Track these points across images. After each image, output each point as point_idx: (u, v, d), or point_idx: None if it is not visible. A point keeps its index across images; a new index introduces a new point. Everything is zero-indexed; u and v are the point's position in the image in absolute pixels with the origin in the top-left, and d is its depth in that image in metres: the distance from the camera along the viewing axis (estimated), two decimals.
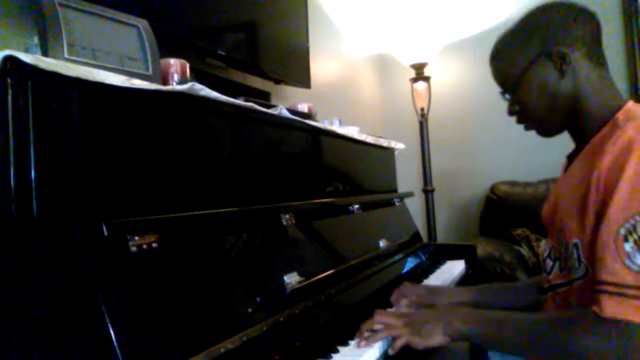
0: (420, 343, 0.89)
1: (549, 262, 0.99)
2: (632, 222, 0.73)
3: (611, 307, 0.72)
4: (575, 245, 0.87)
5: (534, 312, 0.94)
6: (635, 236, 0.72)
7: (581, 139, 0.93)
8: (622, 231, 0.73)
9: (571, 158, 0.97)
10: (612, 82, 0.93)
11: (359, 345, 0.90)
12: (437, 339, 0.89)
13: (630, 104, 0.89)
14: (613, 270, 0.74)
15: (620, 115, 0.86)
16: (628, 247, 0.73)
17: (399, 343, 0.89)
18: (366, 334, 0.91)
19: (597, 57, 0.92)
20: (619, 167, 0.76)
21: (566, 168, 1.00)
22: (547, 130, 0.97)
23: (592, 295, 0.77)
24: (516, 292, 1.17)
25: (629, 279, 0.72)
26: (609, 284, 0.74)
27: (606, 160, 0.79)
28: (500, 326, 0.86)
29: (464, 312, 0.92)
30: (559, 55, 0.89)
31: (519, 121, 0.99)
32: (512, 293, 1.17)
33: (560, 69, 0.90)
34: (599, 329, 0.74)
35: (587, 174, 0.82)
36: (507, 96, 0.99)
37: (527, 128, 1.00)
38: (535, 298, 1.09)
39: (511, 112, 0.99)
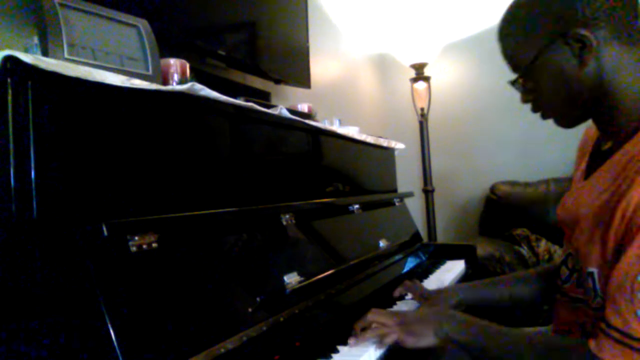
0: (410, 342, 0.87)
1: (565, 270, 0.93)
2: None
3: (611, 353, 0.68)
4: (591, 274, 0.79)
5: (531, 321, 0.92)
6: None
7: (610, 135, 0.81)
8: None
9: (594, 157, 0.86)
10: None
11: (349, 344, 0.89)
12: (427, 340, 0.87)
13: None
14: (624, 317, 0.68)
15: None
16: None
17: (389, 340, 0.88)
18: (359, 333, 0.91)
19: (630, 33, 0.75)
20: None
21: (586, 166, 0.89)
22: (566, 122, 0.84)
23: (595, 328, 0.73)
24: (525, 283, 1.11)
25: (636, 330, 0.66)
26: (616, 329, 0.68)
27: (636, 196, 0.69)
28: (491, 339, 0.83)
29: (457, 318, 0.88)
30: (577, 39, 0.75)
31: (534, 110, 0.87)
32: (521, 284, 1.12)
33: (579, 56, 0.75)
34: None
35: (615, 198, 0.73)
36: (519, 83, 0.85)
37: (544, 117, 0.86)
38: (542, 287, 1.07)
39: (525, 100, 0.87)
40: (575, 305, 0.90)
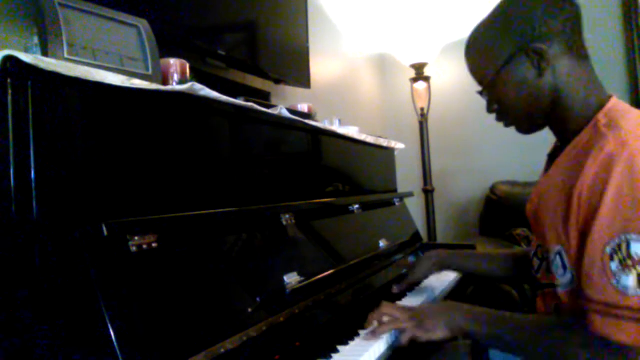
0: (423, 336, 0.91)
1: (536, 261, 1.00)
2: (617, 240, 0.73)
3: (602, 327, 0.74)
4: (559, 253, 0.86)
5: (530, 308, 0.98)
6: (620, 256, 0.72)
7: (563, 137, 0.92)
8: (608, 250, 0.73)
9: (552, 156, 0.96)
10: (594, 75, 0.89)
11: (365, 338, 0.92)
12: (440, 333, 0.91)
13: (612, 101, 0.87)
14: (601, 289, 0.74)
15: (601, 116, 0.84)
16: (614, 266, 0.73)
17: (406, 338, 0.91)
18: (375, 325, 0.94)
19: (578, 49, 0.88)
20: (601, 185, 0.75)
21: (547, 166, 0.99)
22: (527, 128, 0.96)
23: (583, 309, 0.78)
24: (499, 261, 1.26)
25: (617, 299, 0.72)
26: (598, 302, 0.74)
27: (587, 177, 0.77)
28: (501, 327, 0.87)
29: (467, 309, 0.93)
30: (536, 52, 0.86)
31: (498, 119, 0.98)
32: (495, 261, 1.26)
33: (538, 67, 0.87)
34: (593, 344, 0.75)
35: (568, 184, 0.82)
36: (485, 94, 0.96)
37: (507, 125, 0.98)
38: (510, 269, 1.21)
39: (490, 110, 0.97)
40: (548, 292, 0.96)
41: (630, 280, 0.71)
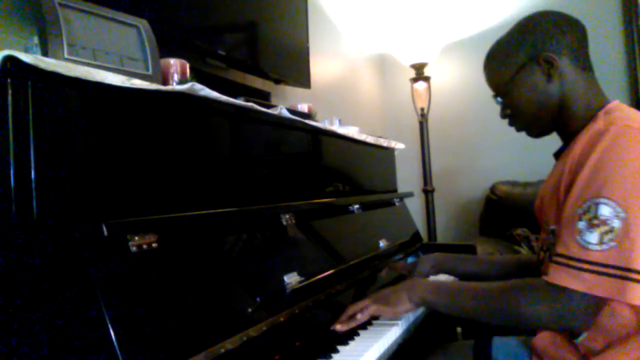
0: (388, 311, 0.99)
1: (542, 254, 1.03)
2: (589, 203, 0.81)
3: (560, 276, 0.81)
4: (553, 231, 0.94)
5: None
6: (588, 216, 0.80)
7: (568, 138, 0.99)
8: (579, 210, 0.82)
9: (557, 156, 1.03)
10: (596, 85, 0.99)
11: (334, 329, 0.97)
12: (403, 306, 0.99)
13: (615, 103, 0.95)
14: (566, 244, 0.82)
15: (600, 113, 0.93)
16: (581, 225, 0.81)
17: (369, 312, 0.99)
18: (343, 319, 1.00)
19: (583, 62, 0.98)
20: (586, 154, 0.84)
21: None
22: (536, 131, 1.04)
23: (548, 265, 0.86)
24: (491, 268, 1.28)
25: (576, 252, 0.80)
26: (561, 255, 0.83)
27: (576, 151, 0.87)
28: (458, 294, 0.95)
29: (426, 282, 1.03)
30: (546, 61, 0.96)
31: (511, 123, 1.07)
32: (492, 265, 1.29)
33: (548, 74, 0.96)
34: (544, 294, 0.84)
35: (563, 169, 0.90)
36: (499, 100, 1.06)
37: (518, 129, 1.06)
38: (510, 275, 1.20)
39: (503, 115, 1.07)
40: None
41: (593, 237, 0.79)
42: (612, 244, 0.78)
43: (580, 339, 0.87)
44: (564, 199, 0.88)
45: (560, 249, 0.84)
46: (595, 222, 0.79)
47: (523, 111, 1.02)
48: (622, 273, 0.77)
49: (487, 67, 1.08)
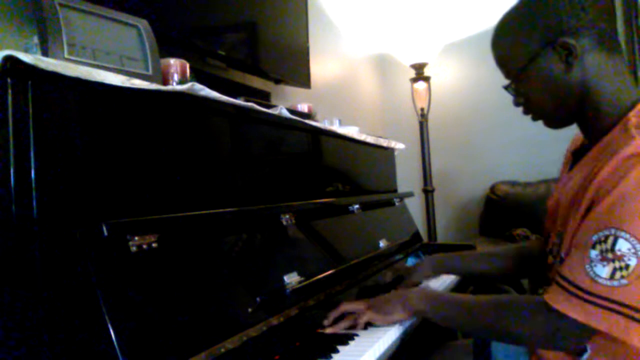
0: (381, 320, 0.96)
1: (550, 258, 0.99)
2: (607, 233, 0.73)
3: (558, 300, 0.76)
4: (559, 234, 0.89)
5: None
6: (603, 246, 0.73)
7: (591, 135, 0.89)
8: (595, 237, 0.74)
9: (577, 155, 0.93)
10: (626, 72, 0.85)
11: (325, 330, 0.96)
12: (397, 316, 0.96)
13: None
14: (574, 270, 0.76)
15: (632, 116, 0.80)
16: (593, 254, 0.74)
17: (362, 320, 0.96)
18: (332, 320, 0.98)
19: (610, 43, 0.83)
20: (616, 178, 0.75)
21: (570, 164, 0.96)
22: (554, 122, 0.92)
23: (551, 281, 0.82)
24: (495, 260, 1.25)
25: (586, 284, 0.74)
26: (567, 281, 0.77)
27: (607, 170, 0.77)
28: (452, 308, 0.92)
29: (422, 292, 0.99)
30: (563, 47, 0.83)
31: (525, 112, 0.94)
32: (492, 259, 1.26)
33: (566, 61, 0.83)
34: (543, 316, 0.79)
35: (589, 179, 0.80)
36: (511, 88, 0.93)
37: (534, 119, 0.94)
38: (508, 267, 1.20)
39: (517, 104, 0.94)
40: None
41: (604, 272, 0.73)
42: (624, 281, 0.71)
43: (585, 357, 0.81)
44: (581, 218, 0.80)
45: (566, 273, 0.77)
46: (610, 255, 0.72)
47: (538, 103, 0.90)
48: (630, 312, 0.71)
49: (496, 50, 0.94)
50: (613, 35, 0.84)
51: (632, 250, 0.71)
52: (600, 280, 0.73)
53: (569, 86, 0.85)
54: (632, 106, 0.82)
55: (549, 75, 0.85)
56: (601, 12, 0.83)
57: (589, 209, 0.79)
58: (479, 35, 2.96)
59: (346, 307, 0.99)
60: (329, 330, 0.96)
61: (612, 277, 0.72)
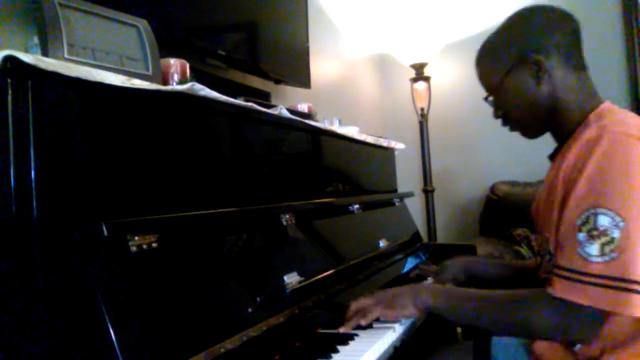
0: (391, 315, 0.97)
1: (539, 259, 1.03)
2: (587, 214, 0.79)
3: (564, 290, 0.80)
4: (547, 240, 0.93)
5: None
6: (587, 227, 0.79)
7: (561, 140, 0.98)
8: (578, 222, 0.80)
9: (552, 157, 1.02)
10: (590, 85, 0.96)
11: (339, 330, 0.95)
12: (407, 311, 0.96)
13: (606, 104, 0.93)
14: (568, 256, 0.81)
15: (592, 115, 0.91)
16: (581, 236, 0.79)
17: (373, 316, 0.95)
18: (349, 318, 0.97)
19: (576, 61, 0.95)
20: (580, 164, 0.82)
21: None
22: (529, 132, 1.02)
23: (549, 276, 0.86)
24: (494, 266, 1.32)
25: (580, 265, 0.79)
26: (564, 269, 0.81)
27: (570, 159, 0.85)
28: (463, 301, 0.94)
29: (431, 287, 1.02)
30: (534, 63, 0.93)
31: (504, 124, 1.05)
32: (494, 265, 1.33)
33: (536, 76, 0.94)
34: (549, 307, 0.82)
35: (559, 173, 0.88)
36: (490, 100, 1.04)
37: (512, 129, 1.05)
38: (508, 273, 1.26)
39: (496, 116, 1.05)
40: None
41: (593, 249, 0.78)
42: (613, 255, 0.76)
43: (579, 345, 0.86)
44: (559, 208, 0.86)
45: (562, 262, 0.82)
46: (595, 233, 0.78)
47: (514, 113, 1.00)
48: (624, 285, 0.75)
49: (478, 67, 1.05)
50: (578, 54, 0.96)
51: (613, 223, 0.77)
52: (592, 259, 0.78)
53: (539, 99, 0.95)
54: (592, 110, 0.93)
55: (522, 88, 0.96)
56: (567, 35, 0.94)
57: (564, 201, 0.84)
58: (479, 35, 2.93)
59: (357, 305, 0.99)
60: (342, 330, 0.95)
61: (602, 253, 0.77)
